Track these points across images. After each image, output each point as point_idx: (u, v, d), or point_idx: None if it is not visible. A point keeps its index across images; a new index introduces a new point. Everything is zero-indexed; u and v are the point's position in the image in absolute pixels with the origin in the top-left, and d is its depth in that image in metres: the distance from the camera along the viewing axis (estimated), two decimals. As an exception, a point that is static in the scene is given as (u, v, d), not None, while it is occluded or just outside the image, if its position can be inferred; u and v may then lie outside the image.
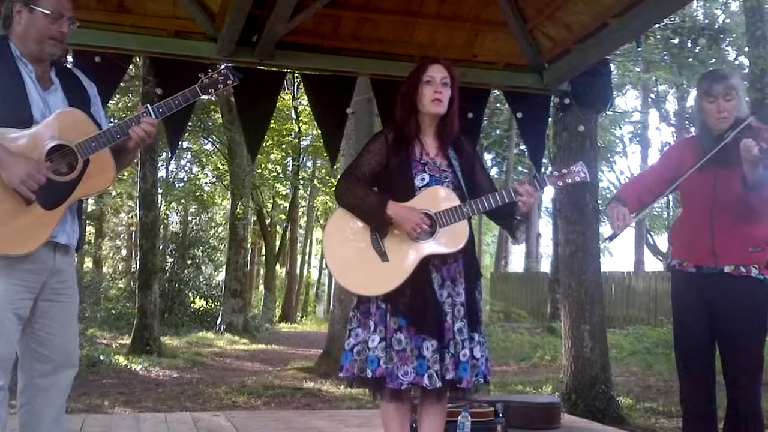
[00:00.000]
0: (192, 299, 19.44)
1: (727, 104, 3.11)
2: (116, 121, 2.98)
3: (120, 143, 2.62)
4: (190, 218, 25.57)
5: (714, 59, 15.02)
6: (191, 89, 2.73)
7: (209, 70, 2.80)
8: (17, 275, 2.48)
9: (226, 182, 21.67)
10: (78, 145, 2.52)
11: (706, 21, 16.95)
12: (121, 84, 8.95)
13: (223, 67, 2.82)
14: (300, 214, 29.14)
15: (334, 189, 3.15)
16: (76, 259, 2.87)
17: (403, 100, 3.10)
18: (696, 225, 3.20)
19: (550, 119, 6.31)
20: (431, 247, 2.92)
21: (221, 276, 20.54)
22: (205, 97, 2.79)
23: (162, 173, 20.20)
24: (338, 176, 3.35)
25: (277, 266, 27.67)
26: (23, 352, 2.62)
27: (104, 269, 23.79)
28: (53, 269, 2.59)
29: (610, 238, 3.18)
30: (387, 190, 3.00)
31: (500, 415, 4.16)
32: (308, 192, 27.35)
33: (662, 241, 25.13)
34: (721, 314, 3.11)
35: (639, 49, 10.69)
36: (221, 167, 22.41)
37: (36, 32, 2.55)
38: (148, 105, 2.67)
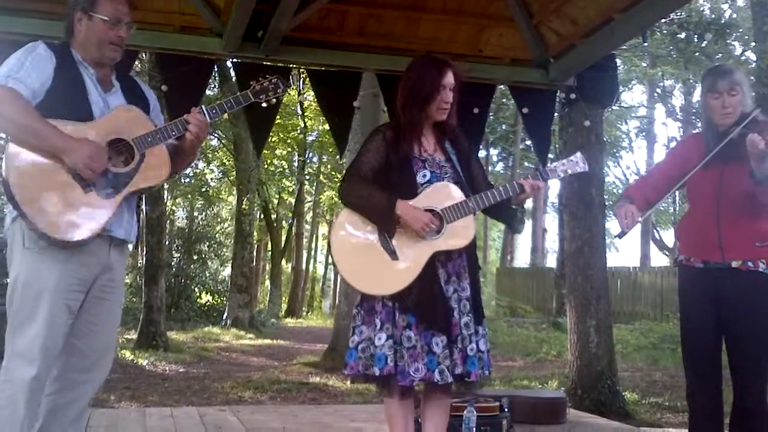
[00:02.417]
0: (198, 294, 19.51)
1: (731, 99, 3.10)
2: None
3: (176, 144, 2.74)
4: (196, 214, 25.56)
5: (720, 54, 14.92)
6: (243, 94, 2.86)
7: (260, 77, 2.89)
8: (73, 267, 2.53)
9: (231, 178, 21.69)
10: (135, 140, 2.61)
11: (713, 16, 16.82)
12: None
13: (275, 76, 2.91)
14: (306, 209, 29.12)
15: (338, 188, 3.12)
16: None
17: (413, 99, 3.03)
18: (703, 220, 3.19)
19: (555, 114, 6.29)
20: (440, 243, 2.92)
21: (227, 271, 20.58)
22: (254, 101, 2.86)
23: (168, 169, 20.19)
24: (343, 174, 3.33)
25: (283, 261, 27.70)
26: (63, 343, 2.63)
27: (111, 264, 23.82)
28: (106, 265, 2.64)
29: (619, 236, 3.17)
30: (388, 188, 2.97)
31: (506, 409, 4.16)
32: (314, 187, 27.32)
33: (668, 237, 25.08)
34: (728, 309, 3.11)
35: (645, 44, 10.62)
36: (227, 163, 22.43)
37: (95, 38, 2.65)
38: (203, 106, 2.78)
